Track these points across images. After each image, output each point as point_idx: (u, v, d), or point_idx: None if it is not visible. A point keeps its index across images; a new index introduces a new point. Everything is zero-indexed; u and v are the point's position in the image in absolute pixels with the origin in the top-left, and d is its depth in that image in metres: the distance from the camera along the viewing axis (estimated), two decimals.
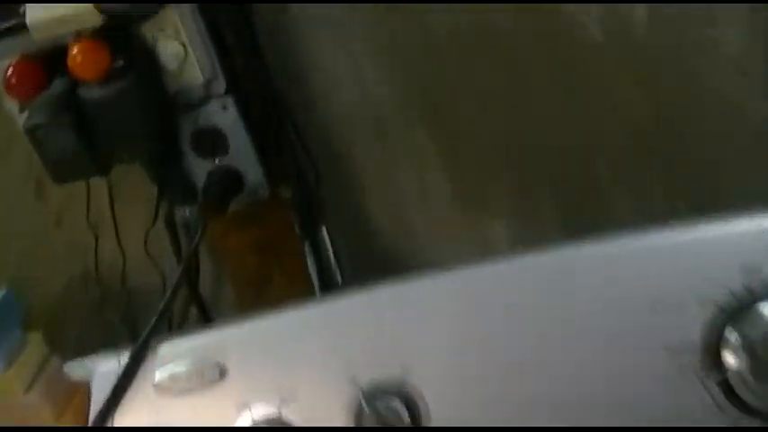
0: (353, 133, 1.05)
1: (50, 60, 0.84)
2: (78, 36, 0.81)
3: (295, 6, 0.95)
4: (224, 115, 0.91)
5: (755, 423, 0.60)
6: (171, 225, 1.02)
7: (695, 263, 0.62)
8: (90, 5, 0.78)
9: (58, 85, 0.84)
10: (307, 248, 1.03)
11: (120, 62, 0.83)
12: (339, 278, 1.06)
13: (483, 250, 1.09)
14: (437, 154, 1.04)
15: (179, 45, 0.85)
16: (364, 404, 0.66)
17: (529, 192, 1.05)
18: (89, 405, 0.73)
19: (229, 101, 0.91)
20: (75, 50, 0.81)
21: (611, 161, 1.01)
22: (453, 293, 0.68)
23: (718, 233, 0.63)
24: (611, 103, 0.97)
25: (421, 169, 1.06)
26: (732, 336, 0.59)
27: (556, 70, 0.96)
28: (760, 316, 0.59)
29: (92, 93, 0.83)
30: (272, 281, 1.07)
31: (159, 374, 0.72)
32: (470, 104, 1.00)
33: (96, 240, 1.12)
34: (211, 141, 0.94)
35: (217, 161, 0.95)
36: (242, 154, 0.95)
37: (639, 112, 0.97)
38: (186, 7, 0.84)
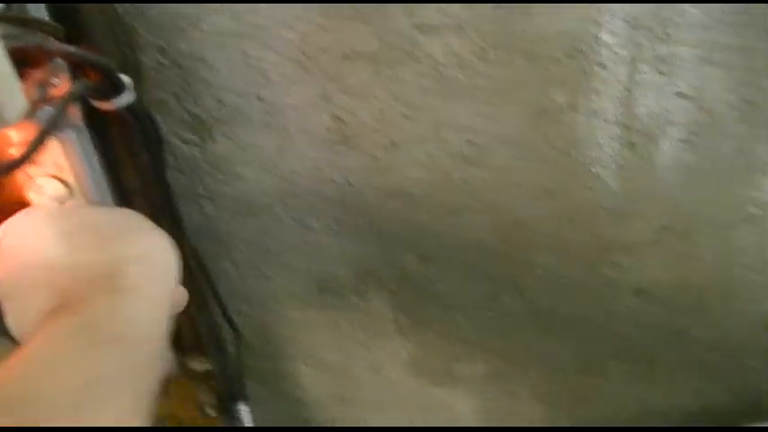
0: (291, 291, 0.90)
1: None
2: None
3: (221, 143, 0.79)
4: None
5: None
6: None
7: None
8: None
9: None
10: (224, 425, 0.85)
11: None
12: None
13: (442, 423, 0.95)
14: (394, 320, 0.91)
15: (60, 185, 0.66)
16: None
17: (507, 365, 0.93)
18: None
19: None
20: None
21: (617, 331, 0.91)
22: None
23: None
24: (619, 272, 0.87)
25: (373, 335, 0.92)
26: None
27: (556, 233, 0.85)
28: None
29: None
30: None
31: None
32: (444, 266, 0.87)
33: None
34: None
35: None
36: None
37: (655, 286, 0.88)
38: (72, 134, 0.65)
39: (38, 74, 0.62)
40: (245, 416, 0.86)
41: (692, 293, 0.87)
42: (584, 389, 0.92)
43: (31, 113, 0.59)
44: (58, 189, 0.66)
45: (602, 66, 0.75)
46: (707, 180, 0.81)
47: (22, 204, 0.65)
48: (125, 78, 0.66)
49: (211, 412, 0.85)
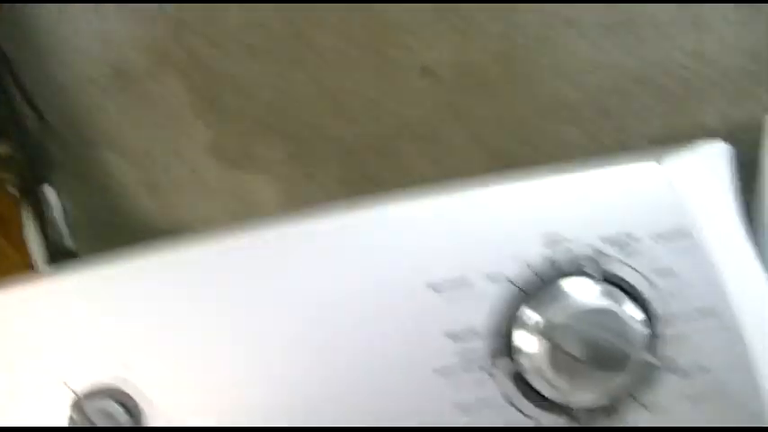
0: (88, 77, 0.92)
1: None
2: None
3: None
4: None
5: (558, 422, 0.52)
6: None
7: (485, 230, 0.52)
8: None
9: None
10: (26, 210, 0.89)
11: None
12: (71, 243, 0.93)
13: (245, 208, 0.98)
14: (190, 104, 0.94)
15: None
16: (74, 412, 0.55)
17: (303, 148, 0.96)
18: None
19: None
20: None
21: (406, 112, 0.94)
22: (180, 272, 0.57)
23: (514, 195, 0.53)
24: (403, 53, 0.90)
25: (171, 119, 0.95)
26: (528, 318, 0.51)
27: (338, 13, 0.88)
28: (563, 294, 0.50)
29: None
30: None
31: None
32: (233, 49, 0.91)
33: None
34: None
35: None
36: None
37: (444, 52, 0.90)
38: None
39: None
40: (51, 196, 0.90)
41: (476, 72, 0.91)
42: (378, 170, 0.96)
43: None
44: None
45: None
46: None
47: None
48: None
49: (15, 192, 0.88)
